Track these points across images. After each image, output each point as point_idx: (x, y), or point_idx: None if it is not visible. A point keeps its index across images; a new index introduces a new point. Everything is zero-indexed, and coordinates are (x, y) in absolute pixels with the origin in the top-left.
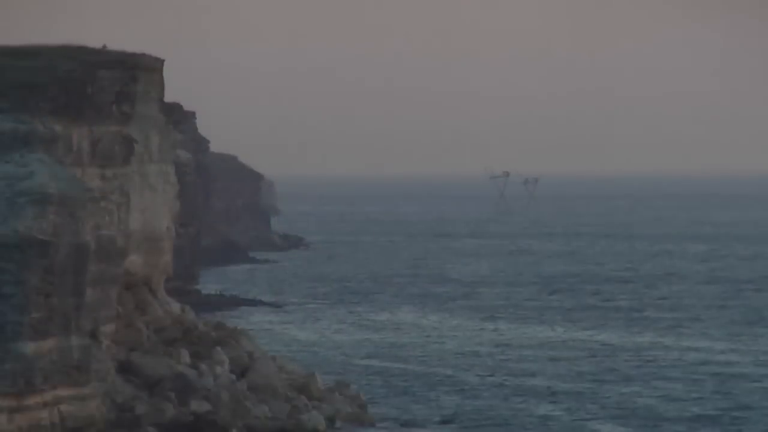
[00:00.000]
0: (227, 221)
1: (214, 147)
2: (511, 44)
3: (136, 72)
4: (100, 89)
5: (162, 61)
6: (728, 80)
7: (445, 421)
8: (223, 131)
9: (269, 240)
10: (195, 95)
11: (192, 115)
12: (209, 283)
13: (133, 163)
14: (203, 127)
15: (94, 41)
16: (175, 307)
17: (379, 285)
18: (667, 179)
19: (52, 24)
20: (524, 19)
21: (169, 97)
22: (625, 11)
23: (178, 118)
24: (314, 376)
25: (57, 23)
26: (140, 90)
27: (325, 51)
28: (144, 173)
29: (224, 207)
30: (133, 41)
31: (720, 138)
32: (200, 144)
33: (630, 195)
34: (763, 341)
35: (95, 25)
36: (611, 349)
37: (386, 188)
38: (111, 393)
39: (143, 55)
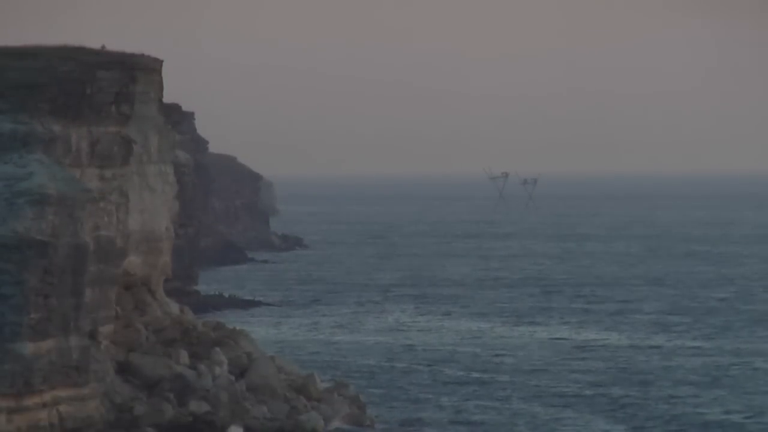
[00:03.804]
0: (226, 222)
1: (213, 147)
2: (511, 44)
3: (135, 72)
4: (99, 90)
5: (161, 62)
6: (727, 79)
7: (444, 422)
8: (222, 131)
9: (268, 240)
10: (194, 95)
11: (191, 115)
12: (208, 284)
13: (132, 164)
14: (202, 127)
15: (93, 41)
16: (174, 307)
17: (378, 285)
18: (667, 179)
19: (51, 24)
20: (524, 18)
21: (168, 97)
22: (625, 11)
23: (177, 118)
24: (313, 377)
25: (56, 23)
26: (139, 90)
27: (325, 51)
28: (143, 174)
29: (223, 207)
30: (133, 41)
31: (719, 137)
32: (199, 144)
33: (630, 195)
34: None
35: (94, 25)
36: (612, 349)
37: (385, 188)
38: (110, 393)
39: (142, 55)
